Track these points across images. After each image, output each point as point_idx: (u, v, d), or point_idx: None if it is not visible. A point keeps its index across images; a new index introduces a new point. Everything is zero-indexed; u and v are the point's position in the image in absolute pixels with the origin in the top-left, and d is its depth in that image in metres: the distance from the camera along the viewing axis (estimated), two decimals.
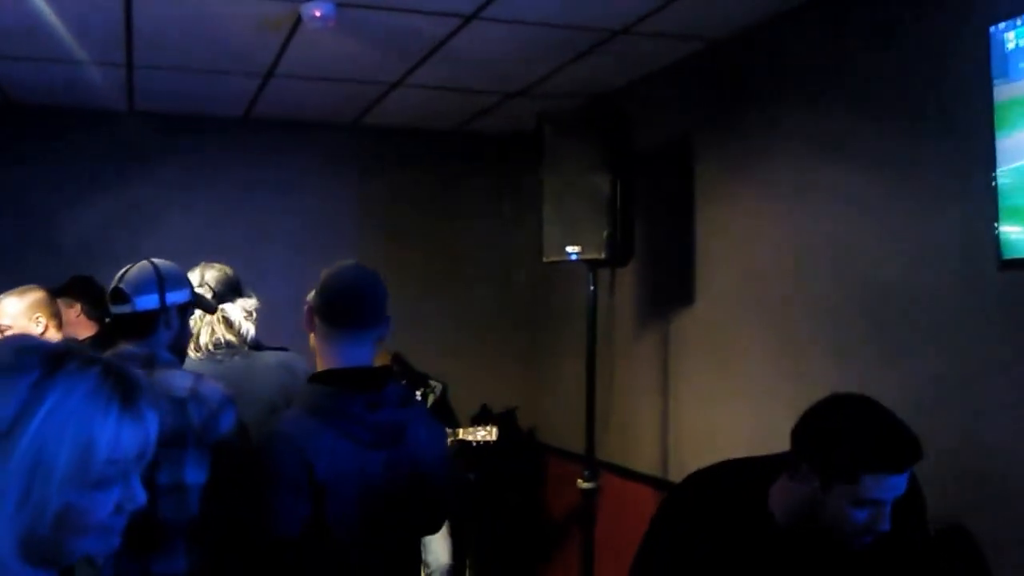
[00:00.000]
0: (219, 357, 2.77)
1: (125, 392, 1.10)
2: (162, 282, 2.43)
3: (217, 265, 2.92)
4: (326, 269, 2.17)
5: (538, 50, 3.79)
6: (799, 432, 1.84)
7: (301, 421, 2.02)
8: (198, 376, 2.41)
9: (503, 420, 4.97)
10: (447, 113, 4.94)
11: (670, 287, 4.03)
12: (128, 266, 2.46)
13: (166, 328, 2.44)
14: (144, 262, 2.47)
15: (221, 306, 2.80)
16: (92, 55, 3.88)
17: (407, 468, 2.11)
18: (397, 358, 4.41)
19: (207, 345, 2.80)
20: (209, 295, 2.80)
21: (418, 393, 4.42)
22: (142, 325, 2.40)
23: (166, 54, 3.91)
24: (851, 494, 1.73)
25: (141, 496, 1.12)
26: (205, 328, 2.81)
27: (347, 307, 2.11)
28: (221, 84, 4.37)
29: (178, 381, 2.35)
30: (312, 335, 2.19)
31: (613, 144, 3.66)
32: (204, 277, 2.87)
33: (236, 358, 2.77)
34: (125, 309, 2.39)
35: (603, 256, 3.63)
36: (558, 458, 5.00)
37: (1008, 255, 2.43)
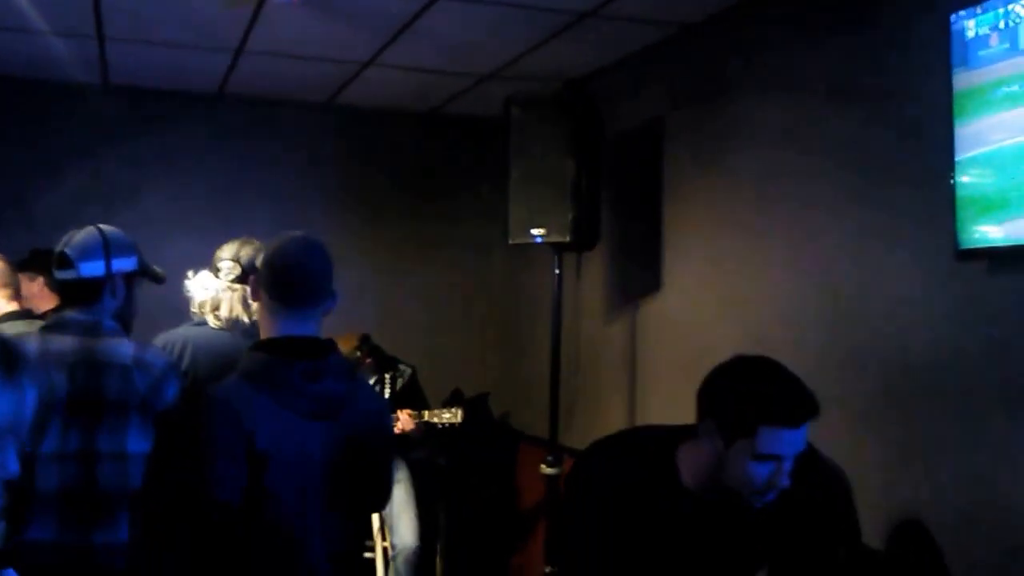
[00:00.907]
0: (238, 333, 2.81)
1: (6, 361, 1.11)
2: (108, 248, 2.40)
3: (256, 243, 2.94)
4: (272, 241, 2.14)
5: (507, 31, 3.75)
6: (703, 391, 1.88)
7: (239, 388, 1.99)
8: (141, 344, 2.40)
9: (474, 405, 4.94)
10: (421, 95, 4.90)
11: (637, 272, 4.01)
12: (74, 231, 2.42)
13: (112, 296, 2.41)
14: (91, 228, 2.43)
15: (245, 286, 2.81)
16: (60, 25, 3.83)
17: (349, 441, 2.08)
18: (366, 340, 4.37)
19: (227, 318, 2.84)
20: (238, 271, 2.85)
21: (387, 376, 4.40)
22: (87, 292, 2.37)
23: (136, 26, 3.87)
24: (750, 448, 1.76)
25: (13, 466, 1.12)
26: (225, 302, 2.85)
27: (292, 284, 2.07)
28: (193, 59, 4.34)
29: (123, 349, 2.34)
30: (258, 305, 2.16)
31: (581, 128, 3.64)
32: (239, 252, 2.90)
33: (246, 339, 2.74)
34: (70, 275, 2.36)
35: (568, 239, 3.61)
36: (528, 444, 4.99)
37: (965, 245, 2.42)
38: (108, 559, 2.27)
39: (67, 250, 2.37)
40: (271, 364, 2.02)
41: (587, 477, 1.99)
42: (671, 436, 1.95)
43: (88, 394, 2.27)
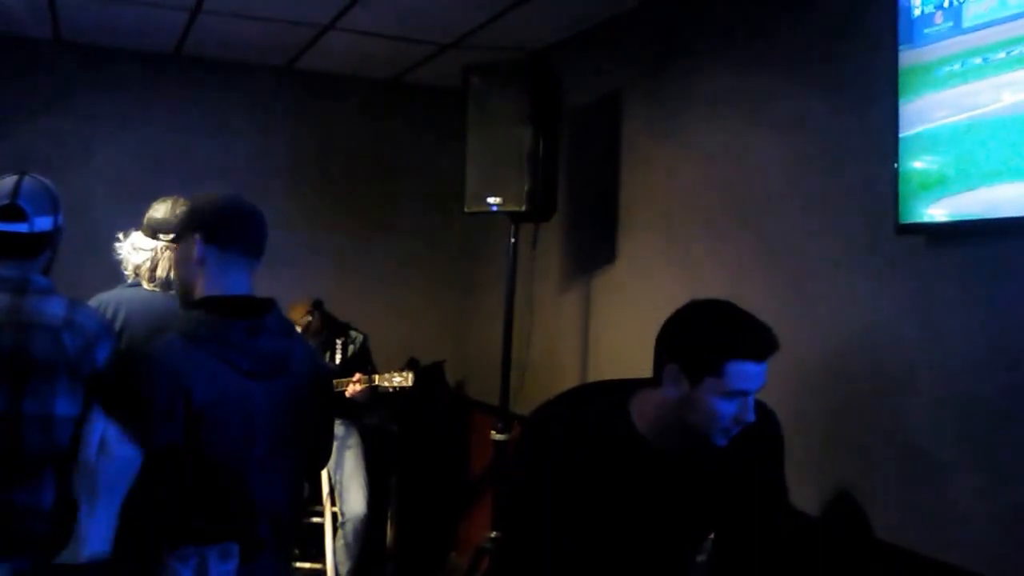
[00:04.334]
0: (172, 293, 2.70)
1: None
2: (56, 202, 2.32)
3: (185, 200, 2.83)
4: (202, 196, 2.10)
5: None
6: (663, 337, 1.90)
7: (176, 346, 1.96)
8: (73, 302, 2.29)
9: (429, 373, 4.97)
10: (383, 61, 4.87)
11: (593, 244, 4.04)
12: (13, 177, 2.27)
13: (52, 251, 2.32)
14: (30, 177, 2.30)
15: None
16: None
17: (289, 400, 2.07)
18: (318, 306, 4.37)
19: (163, 279, 2.76)
20: None
21: (338, 342, 4.39)
22: (31, 247, 2.25)
23: None
24: (718, 386, 1.80)
25: None
26: (163, 262, 2.77)
27: (244, 229, 2.04)
28: (149, 17, 4.26)
29: (52, 308, 2.22)
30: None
31: (539, 98, 3.64)
32: (175, 211, 2.80)
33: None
34: (20, 228, 2.22)
35: (523, 209, 3.63)
36: (482, 413, 5.02)
37: (905, 220, 2.47)
38: (29, 522, 2.17)
39: (20, 202, 2.23)
40: (210, 321, 1.99)
41: (541, 433, 1.99)
42: (623, 387, 1.96)
43: (15, 355, 2.16)
